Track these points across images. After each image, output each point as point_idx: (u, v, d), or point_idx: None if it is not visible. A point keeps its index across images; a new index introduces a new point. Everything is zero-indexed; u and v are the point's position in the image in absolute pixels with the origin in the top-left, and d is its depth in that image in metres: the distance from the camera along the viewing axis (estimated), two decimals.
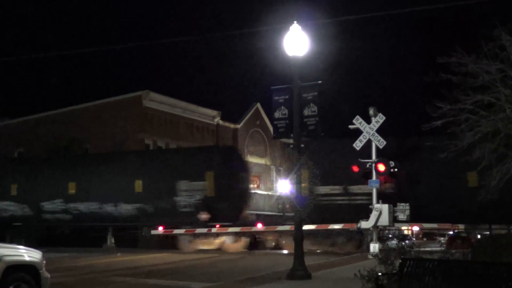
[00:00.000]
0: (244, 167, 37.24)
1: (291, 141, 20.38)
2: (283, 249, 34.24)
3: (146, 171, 36.55)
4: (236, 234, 34.49)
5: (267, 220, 42.09)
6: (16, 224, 39.60)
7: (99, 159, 40.96)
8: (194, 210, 34.31)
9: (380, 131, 27.61)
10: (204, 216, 33.95)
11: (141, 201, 35.89)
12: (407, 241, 50.71)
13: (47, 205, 38.37)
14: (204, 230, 34.87)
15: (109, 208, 36.74)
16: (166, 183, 35.21)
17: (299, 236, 19.35)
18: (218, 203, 33.66)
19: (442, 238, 55.07)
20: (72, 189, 37.98)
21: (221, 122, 55.68)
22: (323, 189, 29.29)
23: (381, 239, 33.57)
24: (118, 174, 37.23)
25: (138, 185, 36.12)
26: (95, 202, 37.02)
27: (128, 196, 36.11)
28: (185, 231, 35.47)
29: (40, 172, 39.88)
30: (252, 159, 55.12)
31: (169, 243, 37.26)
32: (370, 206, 27.62)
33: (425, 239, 69.91)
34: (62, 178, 38.60)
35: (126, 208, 36.17)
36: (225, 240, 34.77)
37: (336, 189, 32.15)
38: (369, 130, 27.57)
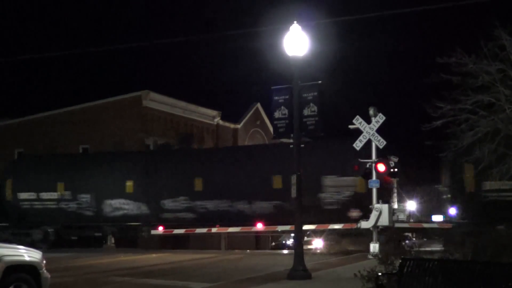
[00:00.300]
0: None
1: (291, 141, 20.42)
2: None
3: (286, 166, 31.41)
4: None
5: None
6: (131, 224, 36.23)
7: (227, 153, 37.74)
8: (341, 208, 31.38)
9: (380, 131, 27.63)
10: (355, 213, 31.01)
11: (279, 198, 32.12)
12: (407, 241, 50.71)
13: (168, 203, 34.91)
14: (204, 230, 34.76)
15: (241, 205, 33.53)
16: (309, 178, 30.76)
17: (299, 236, 19.39)
18: (368, 200, 29.99)
19: None
20: (198, 185, 34.50)
21: (221, 122, 55.63)
22: (491, 185, 27.39)
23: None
24: (252, 169, 33.75)
25: (277, 180, 32.65)
26: (226, 199, 33.76)
27: (265, 193, 32.82)
28: (185, 231, 35.34)
29: (159, 167, 36.14)
30: None
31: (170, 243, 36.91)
32: (370, 206, 27.68)
33: (425, 239, 69.84)
34: (186, 173, 34.99)
35: (261, 206, 32.85)
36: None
37: (508, 184, 28.14)
38: (369, 130, 27.60)
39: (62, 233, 37.34)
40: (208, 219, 34.19)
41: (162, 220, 35.23)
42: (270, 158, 33.75)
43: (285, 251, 34.96)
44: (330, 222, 31.45)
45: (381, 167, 27.51)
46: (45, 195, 37.37)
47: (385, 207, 27.43)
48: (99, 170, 37.21)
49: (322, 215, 31.42)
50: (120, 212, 35.97)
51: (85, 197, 36.57)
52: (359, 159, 28.10)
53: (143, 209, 35.55)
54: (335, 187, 31.39)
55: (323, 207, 31.56)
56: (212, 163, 35.22)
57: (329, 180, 31.62)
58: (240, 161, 34.89)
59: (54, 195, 37.19)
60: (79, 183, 36.87)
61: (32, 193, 37.53)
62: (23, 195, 37.65)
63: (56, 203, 37.10)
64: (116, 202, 36.02)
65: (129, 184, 36.01)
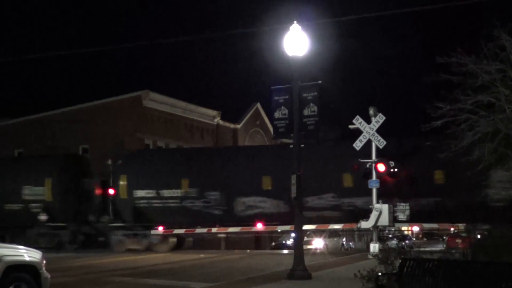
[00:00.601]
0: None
1: (291, 141, 20.43)
2: None
3: (448, 160, 27.38)
4: None
5: None
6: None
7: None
8: (507, 205, 28.46)
9: (380, 131, 27.63)
10: None
11: (440, 195, 29.79)
12: (407, 241, 50.86)
13: (312, 201, 30.80)
14: (204, 230, 34.69)
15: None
16: (474, 173, 27.65)
17: (299, 236, 19.40)
18: None
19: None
20: (348, 181, 31.19)
21: (221, 122, 55.66)
22: None
23: (381, 239, 33.32)
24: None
25: (439, 176, 30.05)
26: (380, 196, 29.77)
27: (425, 189, 29.64)
28: (185, 231, 35.27)
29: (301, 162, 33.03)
30: None
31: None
32: (370, 206, 27.69)
33: (425, 239, 70.03)
34: (333, 168, 31.57)
35: (420, 203, 29.30)
36: None
37: None
38: (369, 130, 27.60)
39: (183, 234, 35.33)
40: (355, 218, 30.29)
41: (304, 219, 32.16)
42: (431, 151, 28.81)
43: (285, 251, 34.93)
44: (496, 220, 28.03)
45: (381, 167, 27.51)
46: (166, 193, 34.30)
47: (385, 207, 27.44)
48: (231, 165, 34.25)
49: (488, 213, 29.01)
50: (255, 211, 32.88)
51: (214, 195, 33.52)
52: (359, 159, 28.10)
53: (282, 207, 32.04)
54: (504, 182, 28.12)
55: (489, 204, 28.98)
56: (364, 157, 30.15)
57: (497, 175, 27.94)
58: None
59: (177, 192, 34.10)
60: (206, 179, 33.84)
61: (151, 191, 34.46)
62: (140, 193, 34.58)
63: (179, 201, 34.07)
64: (250, 200, 32.93)
65: (266, 180, 32.83)
